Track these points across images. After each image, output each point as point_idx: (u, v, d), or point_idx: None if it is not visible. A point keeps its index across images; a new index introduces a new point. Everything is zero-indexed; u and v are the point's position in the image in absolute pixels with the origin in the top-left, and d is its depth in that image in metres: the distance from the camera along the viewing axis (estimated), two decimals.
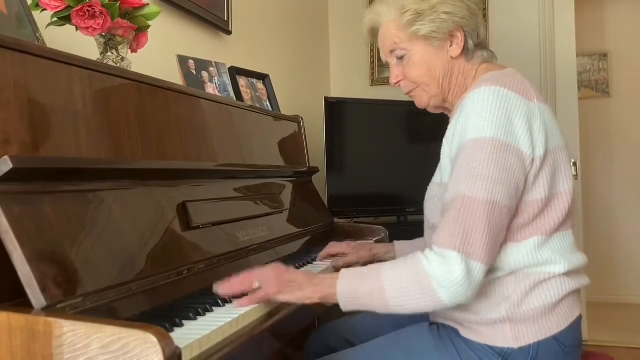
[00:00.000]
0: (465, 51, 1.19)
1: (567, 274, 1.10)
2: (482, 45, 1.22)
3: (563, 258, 1.09)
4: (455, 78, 1.20)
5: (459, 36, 1.18)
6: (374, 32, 1.26)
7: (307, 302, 1.05)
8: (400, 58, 1.22)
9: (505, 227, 1.04)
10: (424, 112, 1.31)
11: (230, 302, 1.04)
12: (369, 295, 1.02)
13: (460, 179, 1.03)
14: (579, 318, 1.14)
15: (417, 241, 1.47)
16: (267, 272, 1.06)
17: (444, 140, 1.16)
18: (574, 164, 3.09)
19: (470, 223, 0.98)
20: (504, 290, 1.07)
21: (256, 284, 1.04)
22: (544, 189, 1.07)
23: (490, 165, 1.01)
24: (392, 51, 1.22)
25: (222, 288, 1.04)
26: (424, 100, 1.24)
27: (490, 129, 1.02)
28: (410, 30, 1.17)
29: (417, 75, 1.20)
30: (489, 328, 1.08)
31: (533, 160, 1.05)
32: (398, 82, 1.24)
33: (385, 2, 1.22)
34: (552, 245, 1.09)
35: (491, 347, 1.08)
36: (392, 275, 1.01)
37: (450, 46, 1.19)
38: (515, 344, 1.06)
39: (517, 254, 1.07)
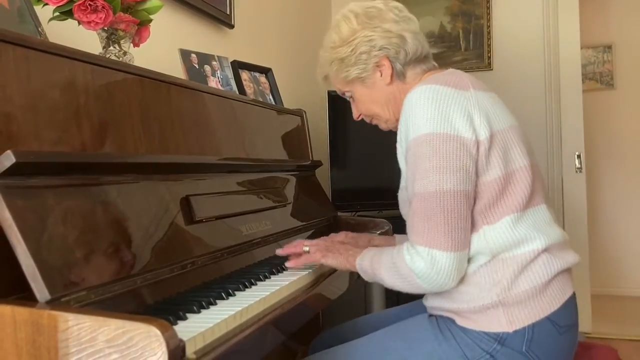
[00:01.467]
0: (395, 75, 1.26)
1: (550, 251, 1.13)
2: (416, 60, 1.27)
3: (540, 233, 1.12)
4: (399, 100, 1.25)
5: (385, 64, 1.25)
6: (327, 80, 1.37)
7: (341, 268, 1.27)
8: (351, 97, 1.34)
9: (466, 211, 1.08)
10: None
11: (234, 295, 1.05)
12: (373, 276, 1.18)
13: (412, 179, 1.11)
14: (572, 297, 1.16)
15: None
16: (317, 240, 1.33)
17: (397, 145, 1.22)
18: (578, 156, 3.08)
19: (428, 217, 1.06)
20: (493, 276, 1.10)
21: (306, 249, 1.29)
22: (499, 168, 1.11)
23: (432, 158, 1.07)
24: (343, 94, 1.35)
25: (280, 250, 1.32)
26: (383, 126, 1.35)
27: (425, 125, 1.09)
28: (341, 76, 1.29)
29: (365, 109, 1.32)
30: (483, 315, 1.10)
31: (477, 142, 1.09)
32: (359, 117, 1.36)
33: (320, 56, 1.34)
34: (526, 221, 1.13)
35: (487, 333, 1.09)
36: (386, 262, 1.14)
37: (381, 76, 1.26)
38: (509, 328, 1.08)
39: (494, 236, 1.10)
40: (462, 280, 1.11)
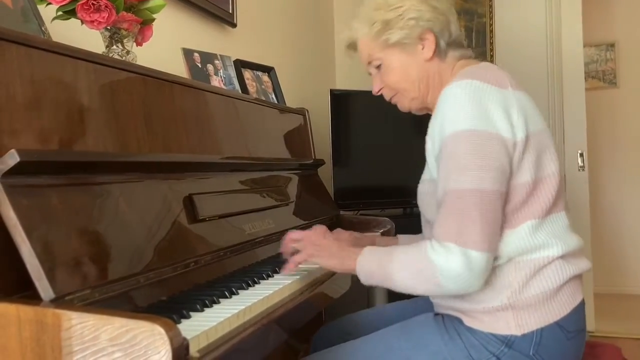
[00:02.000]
0: (437, 52, 1.22)
1: (565, 257, 1.12)
2: (456, 43, 1.25)
3: (558, 240, 1.11)
4: (431, 79, 1.23)
5: (430, 38, 1.21)
6: (352, 47, 1.32)
7: (333, 269, 1.20)
8: (378, 67, 1.27)
9: (500, 212, 1.06)
10: None
11: (237, 293, 1.05)
12: (382, 277, 1.10)
13: (447, 174, 1.06)
14: (582, 303, 1.15)
15: (420, 236, 1.47)
16: (307, 235, 1.24)
17: (427, 138, 1.18)
18: (581, 154, 3.07)
19: (463, 215, 1.02)
20: (505, 278, 1.09)
21: (295, 245, 1.22)
22: (530, 172, 1.09)
23: (471, 155, 1.04)
24: (369, 62, 1.28)
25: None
26: (405, 104, 1.29)
27: (465, 121, 1.05)
28: (380, 39, 1.23)
29: (394, 81, 1.25)
30: (492, 316, 1.09)
31: (515, 144, 1.07)
32: (379, 91, 1.30)
33: (356, 17, 1.28)
34: (546, 227, 1.11)
35: (494, 335, 1.09)
36: (402, 260, 1.08)
37: (422, 49, 1.22)
38: (518, 331, 1.07)
39: (513, 240, 1.09)
40: None
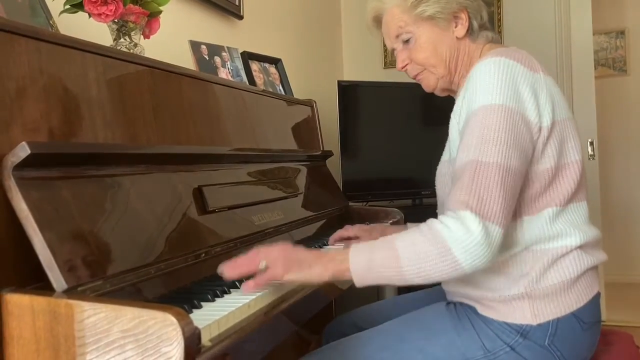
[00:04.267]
0: (470, 31, 1.22)
1: (583, 247, 1.11)
2: (485, 26, 1.24)
3: (577, 230, 1.10)
4: (461, 59, 1.22)
5: (463, 17, 1.21)
6: (377, 20, 1.28)
7: (317, 280, 1.02)
8: (406, 42, 1.23)
9: (518, 192, 1.04)
10: None
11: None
12: (383, 266, 0.99)
13: (472, 144, 1.03)
14: (598, 295, 1.14)
15: None
16: (273, 251, 1.01)
17: (452, 115, 1.17)
18: (591, 143, 3.05)
19: (486, 186, 0.98)
20: (522, 267, 1.08)
21: (263, 264, 0.99)
22: (553, 158, 1.08)
23: (502, 130, 1.02)
24: (397, 36, 1.24)
25: (227, 269, 0.98)
26: (432, 82, 1.25)
27: (499, 96, 1.04)
28: (415, 12, 1.19)
29: (424, 57, 1.22)
30: (507, 305, 1.08)
31: (540, 129, 1.06)
32: (404, 67, 1.26)
33: None
34: (566, 216, 1.10)
35: (509, 325, 1.08)
36: (406, 241, 0.99)
37: (455, 27, 1.21)
38: (534, 321, 1.07)
39: (531, 227, 1.08)
40: (489, 268, 1.07)
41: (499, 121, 1.02)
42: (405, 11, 1.21)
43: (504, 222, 0.98)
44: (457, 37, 1.21)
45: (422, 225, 1.01)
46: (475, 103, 1.06)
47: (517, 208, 1.07)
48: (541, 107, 1.07)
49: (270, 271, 0.99)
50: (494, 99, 1.04)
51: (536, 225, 1.08)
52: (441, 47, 1.21)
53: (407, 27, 1.21)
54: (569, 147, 1.11)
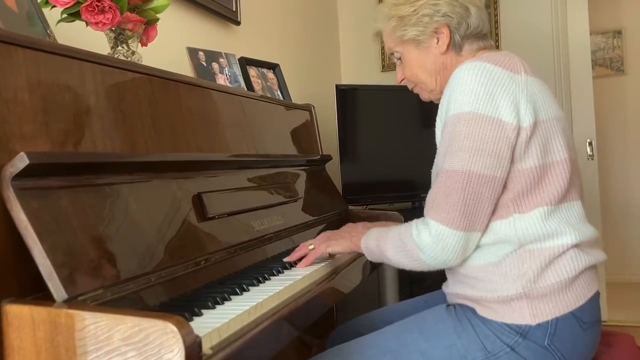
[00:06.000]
0: (452, 46, 1.25)
1: (580, 246, 1.11)
2: (475, 35, 1.26)
3: (572, 228, 1.11)
4: (449, 71, 1.23)
5: (445, 32, 1.24)
6: (380, 36, 1.39)
7: (348, 250, 1.30)
8: (399, 59, 1.32)
9: (488, 196, 1.07)
10: None
11: (248, 290, 1.06)
12: (379, 254, 1.20)
13: (443, 154, 1.11)
14: (597, 294, 1.15)
15: None
16: (321, 235, 1.36)
17: (437, 119, 1.20)
18: (590, 143, 3.05)
19: (447, 193, 1.07)
20: (519, 267, 1.09)
21: (311, 246, 1.31)
22: (537, 157, 1.09)
23: (467, 137, 1.07)
24: (391, 54, 1.34)
25: (288, 258, 1.32)
26: (424, 95, 1.34)
27: (469, 103, 1.08)
28: (396, 35, 1.28)
29: (412, 74, 1.30)
30: (506, 305, 1.09)
31: (519, 129, 1.08)
32: (402, 80, 1.35)
33: (378, 10, 1.34)
34: (559, 215, 1.11)
35: (508, 325, 1.08)
36: (393, 237, 1.17)
37: (437, 43, 1.25)
38: (532, 321, 1.07)
39: (524, 225, 1.09)
40: (487, 269, 1.10)
41: (465, 129, 1.07)
42: (389, 34, 1.30)
43: (462, 224, 1.06)
44: (440, 53, 1.25)
45: (403, 228, 1.16)
46: (449, 111, 1.11)
47: (506, 207, 1.10)
48: (520, 108, 1.08)
49: (316, 249, 1.30)
50: (464, 107, 1.08)
51: (528, 223, 1.09)
52: (426, 64, 1.27)
53: (395, 47, 1.30)
54: (555, 146, 1.12)
